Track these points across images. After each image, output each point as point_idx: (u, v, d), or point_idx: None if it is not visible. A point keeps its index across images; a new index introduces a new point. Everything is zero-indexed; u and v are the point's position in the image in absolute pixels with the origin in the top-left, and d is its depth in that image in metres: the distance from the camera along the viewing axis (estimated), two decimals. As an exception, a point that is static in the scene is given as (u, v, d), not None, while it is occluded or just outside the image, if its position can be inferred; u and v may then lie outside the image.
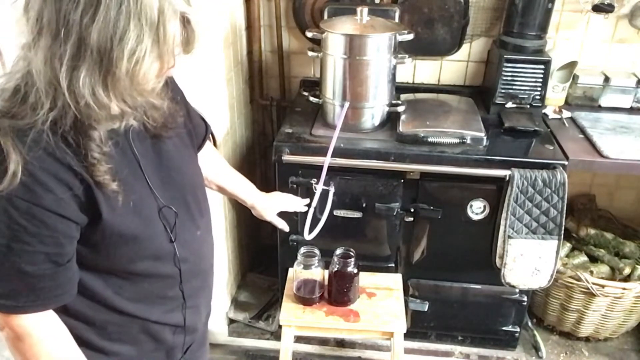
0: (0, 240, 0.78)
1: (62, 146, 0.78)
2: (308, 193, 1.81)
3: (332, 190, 1.75)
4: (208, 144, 1.28)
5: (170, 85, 1.03)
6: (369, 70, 1.76)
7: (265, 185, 2.51)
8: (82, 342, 0.93)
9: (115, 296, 0.93)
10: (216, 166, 1.36)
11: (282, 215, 1.91)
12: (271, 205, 1.52)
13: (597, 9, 1.93)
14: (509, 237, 1.74)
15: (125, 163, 0.89)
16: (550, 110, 2.07)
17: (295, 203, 1.62)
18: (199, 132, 1.17)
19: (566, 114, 2.05)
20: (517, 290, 1.95)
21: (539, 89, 1.99)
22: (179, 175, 1.01)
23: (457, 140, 1.77)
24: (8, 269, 0.80)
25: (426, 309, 2.03)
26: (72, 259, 0.85)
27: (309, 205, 1.70)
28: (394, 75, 1.84)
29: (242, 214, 2.32)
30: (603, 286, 1.96)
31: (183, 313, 1.05)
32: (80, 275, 0.88)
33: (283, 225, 1.56)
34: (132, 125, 0.91)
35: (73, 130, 0.79)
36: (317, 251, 1.66)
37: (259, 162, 2.50)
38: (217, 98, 1.88)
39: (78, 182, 0.80)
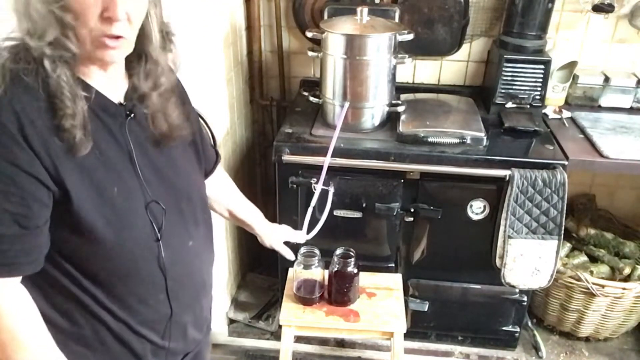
0: None
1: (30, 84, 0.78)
2: (308, 193, 1.81)
3: (331, 190, 1.75)
4: (221, 169, 1.29)
5: (187, 104, 1.06)
6: (369, 70, 1.76)
7: (266, 185, 2.52)
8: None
9: (94, 288, 0.90)
10: (229, 192, 1.36)
11: (284, 215, 1.92)
12: (277, 236, 1.51)
13: (597, 9, 1.93)
14: (509, 237, 1.74)
15: (112, 145, 0.88)
16: (550, 110, 2.07)
17: (298, 235, 1.59)
18: (209, 158, 1.18)
19: (566, 114, 2.05)
20: (517, 290, 1.95)
21: (539, 89, 1.99)
22: (177, 179, 0.99)
23: (457, 140, 1.77)
24: None
25: (426, 309, 2.03)
26: (41, 227, 0.82)
27: (308, 206, 1.70)
28: (394, 75, 1.84)
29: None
30: (603, 286, 1.96)
31: (167, 328, 1.01)
32: (59, 263, 0.86)
33: (289, 255, 1.55)
34: (130, 116, 0.91)
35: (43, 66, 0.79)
36: (317, 251, 1.66)
37: (259, 162, 2.50)
38: (217, 98, 1.88)
39: (43, 146, 0.79)
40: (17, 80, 0.78)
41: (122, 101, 0.91)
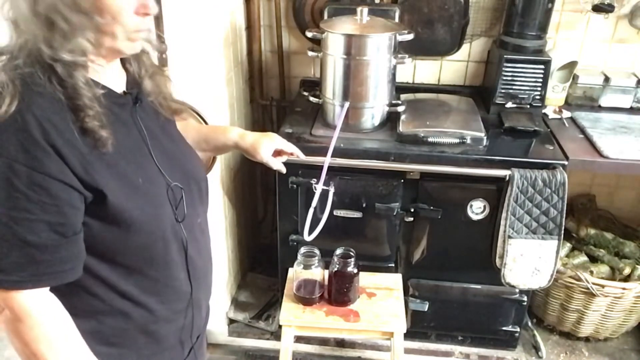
0: (0, 210, 0.76)
1: (54, 85, 0.78)
2: (308, 193, 1.81)
3: (331, 190, 1.75)
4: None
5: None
6: (369, 70, 1.76)
7: (266, 185, 2.52)
8: None
9: (122, 283, 0.91)
10: (198, 130, 1.30)
11: (284, 215, 1.92)
12: (267, 147, 1.30)
13: (597, 9, 1.94)
14: (509, 237, 1.74)
15: (127, 135, 0.89)
16: (550, 110, 2.07)
17: (291, 146, 1.38)
18: None
19: (566, 114, 2.05)
20: (517, 290, 1.95)
21: (539, 89, 1.99)
22: (184, 160, 1.02)
23: (457, 140, 1.77)
24: (9, 240, 0.77)
25: (426, 309, 2.03)
26: (78, 234, 0.83)
27: (309, 204, 1.70)
28: (394, 75, 1.84)
29: (242, 214, 2.32)
30: (603, 286, 1.96)
31: (189, 306, 1.04)
32: (93, 265, 0.87)
33: (279, 167, 1.35)
34: (138, 102, 0.92)
35: (57, 75, 0.79)
36: (317, 251, 1.67)
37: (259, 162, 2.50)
38: (217, 98, 1.88)
39: (73, 151, 0.79)
40: (31, 86, 0.77)
41: (125, 90, 0.92)
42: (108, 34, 0.81)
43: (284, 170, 1.38)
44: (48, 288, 0.84)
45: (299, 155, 1.40)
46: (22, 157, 0.75)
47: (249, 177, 2.40)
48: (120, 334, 0.96)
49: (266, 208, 2.59)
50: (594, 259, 2.16)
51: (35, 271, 0.80)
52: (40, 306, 0.83)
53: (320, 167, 1.66)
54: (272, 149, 1.32)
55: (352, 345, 2.15)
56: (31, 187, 0.76)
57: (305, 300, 1.68)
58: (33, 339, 0.83)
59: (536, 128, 1.88)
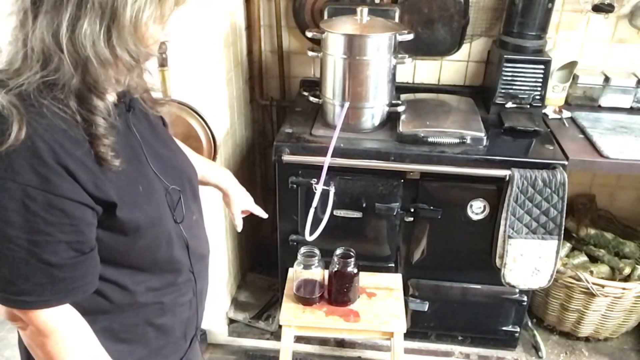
0: (19, 234, 0.76)
1: (69, 113, 0.78)
2: (308, 193, 1.81)
3: (332, 190, 1.75)
4: None
5: None
6: (369, 70, 1.76)
7: (266, 185, 2.52)
8: None
9: (131, 284, 0.92)
10: (192, 157, 1.31)
11: (284, 215, 1.92)
12: (243, 199, 1.42)
13: (597, 9, 1.94)
14: (509, 237, 1.75)
15: (125, 145, 0.89)
16: (550, 110, 2.07)
17: (260, 211, 1.49)
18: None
19: (566, 114, 2.05)
20: (517, 290, 1.95)
21: (539, 89, 1.99)
22: (175, 160, 1.03)
23: (457, 140, 1.77)
24: (31, 263, 0.78)
25: (426, 309, 2.03)
26: (94, 249, 0.84)
27: (310, 206, 1.70)
28: (394, 75, 1.84)
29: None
30: (603, 286, 1.96)
31: (194, 297, 1.05)
32: (103, 272, 0.88)
33: (240, 224, 1.43)
34: (131, 110, 0.92)
35: (77, 100, 0.79)
36: (317, 251, 1.67)
37: (259, 162, 2.50)
38: (217, 98, 1.88)
39: (84, 169, 0.79)
40: (35, 109, 0.76)
41: (116, 99, 0.91)
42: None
43: (240, 229, 1.44)
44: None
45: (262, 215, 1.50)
46: (36, 181, 0.75)
47: (249, 177, 2.40)
48: (130, 330, 0.97)
49: (266, 208, 2.58)
50: (594, 259, 2.16)
51: (57, 289, 0.81)
52: (64, 321, 0.84)
53: (320, 167, 1.67)
54: (244, 207, 1.43)
55: (352, 345, 2.15)
56: (47, 210, 0.77)
57: (305, 300, 1.68)
58: (59, 353, 0.84)
59: (536, 128, 1.88)
